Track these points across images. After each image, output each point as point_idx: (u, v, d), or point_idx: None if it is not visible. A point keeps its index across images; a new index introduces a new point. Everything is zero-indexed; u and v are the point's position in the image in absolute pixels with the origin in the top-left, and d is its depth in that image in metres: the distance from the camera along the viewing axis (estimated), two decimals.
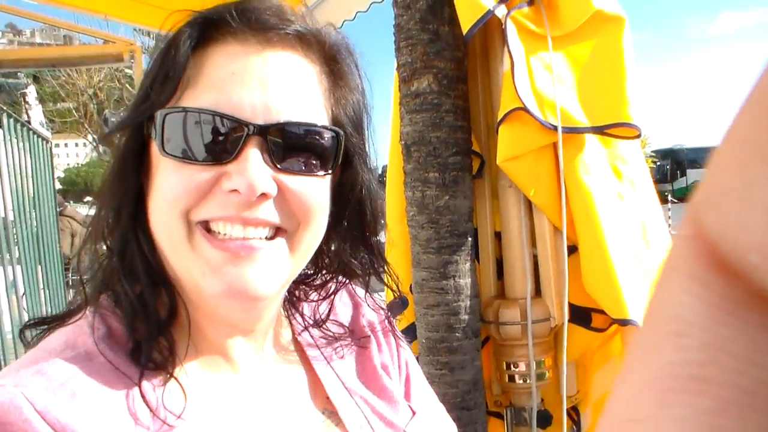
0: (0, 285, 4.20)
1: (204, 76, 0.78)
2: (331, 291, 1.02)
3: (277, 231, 0.81)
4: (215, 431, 0.79)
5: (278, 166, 0.78)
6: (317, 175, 0.82)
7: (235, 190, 0.76)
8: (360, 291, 1.10)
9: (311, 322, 1.01)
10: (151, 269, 0.82)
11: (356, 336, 1.03)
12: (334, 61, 0.86)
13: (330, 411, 0.92)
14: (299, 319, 1.01)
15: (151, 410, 0.74)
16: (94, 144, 28.94)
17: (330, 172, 0.84)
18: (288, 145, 0.79)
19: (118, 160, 0.83)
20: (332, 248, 0.96)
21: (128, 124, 0.82)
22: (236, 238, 0.78)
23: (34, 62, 8.95)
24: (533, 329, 2.18)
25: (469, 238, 2.23)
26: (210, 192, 0.77)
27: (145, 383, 0.75)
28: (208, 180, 0.77)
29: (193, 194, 0.77)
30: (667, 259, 0.22)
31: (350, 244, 0.96)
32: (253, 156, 0.76)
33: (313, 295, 1.02)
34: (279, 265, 0.81)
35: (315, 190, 0.82)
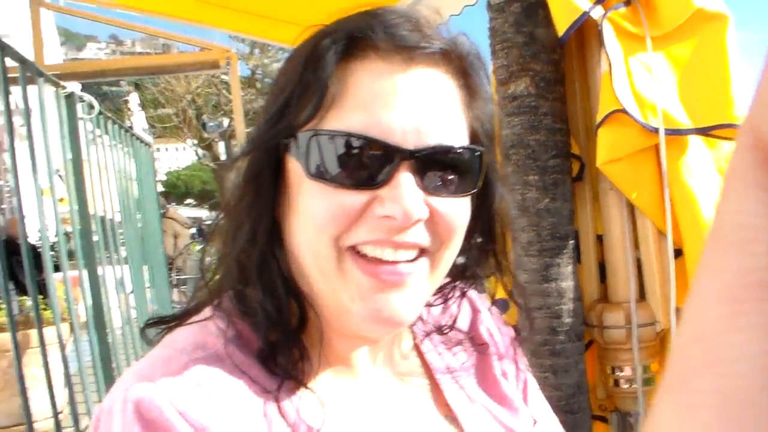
0: (109, 283, 4.37)
1: (349, 95, 0.76)
2: (452, 298, 1.00)
3: (420, 251, 0.80)
4: None
5: (429, 190, 0.77)
6: (464, 196, 0.81)
7: (389, 216, 0.75)
8: (478, 297, 1.08)
9: (432, 328, 1.00)
10: (286, 282, 0.82)
11: (476, 342, 1.02)
12: (469, 73, 0.84)
13: (451, 418, 0.91)
14: (420, 325, 1.00)
15: (288, 423, 0.74)
16: (194, 148, 29.85)
17: (475, 190, 0.83)
18: (438, 168, 0.77)
19: (251, 177, 0.81)
20: (459, 260, 0.93)
21: (265, 143, 0.81)
22: (387, 262, 0.77)
23: (135, 71, 9.29)
24: (638, 333, 2.14)
25: (571, 241, 2.21)
26: (361, 217, 0.76)
27: (282, 392, 0.76)
28: (360, 205, 0.75)
29: (344, 220, 0.75)
30: (728, 169, 0.22)
31: (479, 254, 0.95)
32: (406, 181, 0.75)
33: (435, 301, 1.00)
34: (422, 287, 0.81)
35: (461, 211, 0.81)
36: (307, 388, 0.78)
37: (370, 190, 0.75)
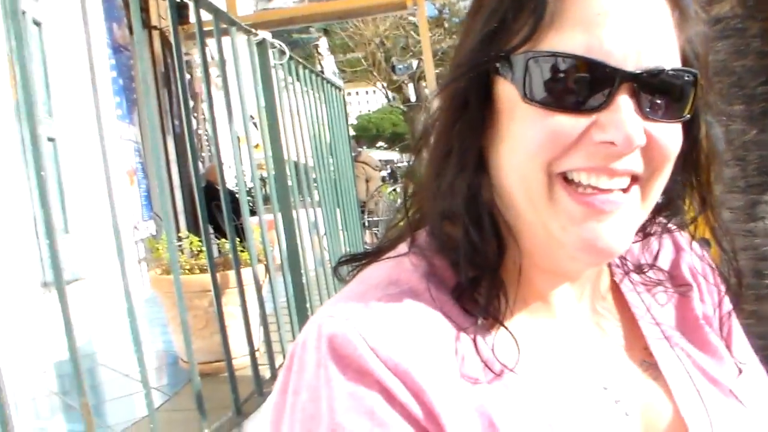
0: (303, 226, 4.51)
1: (568, 14, 0.72)
2: (653, 234, 0.95)
3: (632, 179, 0.76)
4: (541, 383, 0.77)
5: (646, 114, 0.73)
6: (678, 121, 0.77)
7: (609, 142, 0.72)
8: (681, 234, 1.00)
9: (632, 267, 0.95)
10: (491, 214, 0.80)
11: (676, 283, 0.96)
12: None
13: (648, 363, 0.87)
14: (617, 262, 0.95)
15: (482, 361, 0.73)
16: (384, 91, 30.35)
17: (688, 116, 0.77)
18: (654, 92, 0.73)
19: (459, 104, 0.79)
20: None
21: (475, 67, 0.77)
22: (601, 190, 0.74)
23: (323, 16, 9.51)
24: None
25: None
26: (577, 143, 0.73)
27: (477, 330, 0.75)
28: (578, 130, 0.72)
29: (559, 145, 0.72)
30: None
31: (681, 188, 0.89)
32: (627, 106, 0.71)
33: (635, 238, 0.92)
34: (633, 217, 0.77)
35: (675, 137, 0.76)
36: (502, 325, 0.77)
37: (589, 115, 0.72)
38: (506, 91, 0.76)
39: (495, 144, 0.78)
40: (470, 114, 0.78)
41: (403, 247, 0.83)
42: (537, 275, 0.83)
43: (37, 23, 6.36)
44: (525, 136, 0.74)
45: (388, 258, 0.82)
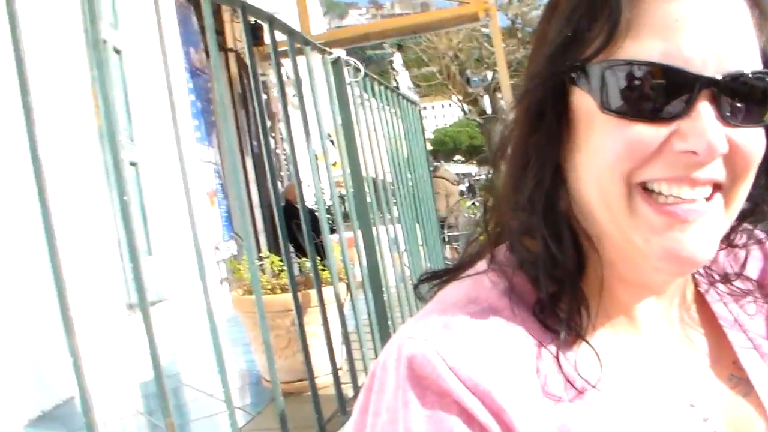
0: (383, 243, 4.49)
1: (644, 21, 0.70)
2: (738, 242, 0.91)
3: (714, 187, 0.73)
4: (625, 401, 0.75)
5: (727, 120, 0.70)
6: (761, 125, 0.74)
7: (691, 151, 0.69)
8: None
9: (717, 276, 0.91)
10: (570, 226, 0.79)
11: (766, 293, 0.92)
12: None
13: (738, 377, 0.84)
14: (702, 272, 0.92)
15: (566, 378, 0.72)
16: (459, 104, 30.24)
17: None
18: (736, 96, 0.71)
19: (535, 115, 0.78)
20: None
21: (550, 78, 0.76)
22: (683, 200, 0.71)
23: (396, 31, 9.55)
24: None
25: None
26: (657, 152, 0.71)
27: (559, 346, 0.74)
28: (659, 140, 0.70)
29: (639, 155, 0.71)
30: None
31: (766, 189, 0.85)
32: (707, 113, 0.69)
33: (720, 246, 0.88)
34: (717, 225, 0.75)
35: (758, 142, 0.74)
36: (585, 341, 0.76)
37: (668, 124, 0.70)
38: (583, 101, 0.75)
39: (572, 155, 0.77)
40: (546, 125, 0.77)
41: (482, 265, 0.82)
42: (620, 288, 0.81)
43: (117, 51, 6.55)
44: (603, 146, 0.73)
45: (466, 276, 0.82)
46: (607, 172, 0.72)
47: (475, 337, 0.71)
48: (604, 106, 0.72)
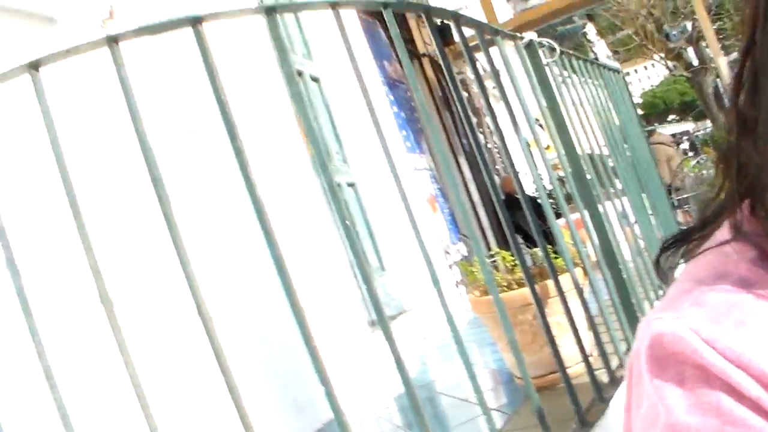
0: (612, 219, 4.32)
1: None
2: None
3: None
4: None
5: None
6: None
7: None
8: None
9: None
10: None
11: None
12: None
13: None
14: None
15: None
16: (663, 62, 28.67)
17: None
18: None
19: None
20: None
21: None
22: None
23: (583, 2, 9.20)
24: None
25: None
26: None
27: None
28: None
29: None
30: None
31: None
32: None
33: None
34: None
35: None
36: None
37: None
38: None
39: None
40: None
41: (721, 234, 0.73)
42: None
43: (315, 79, 6.84)
44: None
45: (708, 248, 0.73)
46: None
47: (728, 309, 0.65)
48: None
